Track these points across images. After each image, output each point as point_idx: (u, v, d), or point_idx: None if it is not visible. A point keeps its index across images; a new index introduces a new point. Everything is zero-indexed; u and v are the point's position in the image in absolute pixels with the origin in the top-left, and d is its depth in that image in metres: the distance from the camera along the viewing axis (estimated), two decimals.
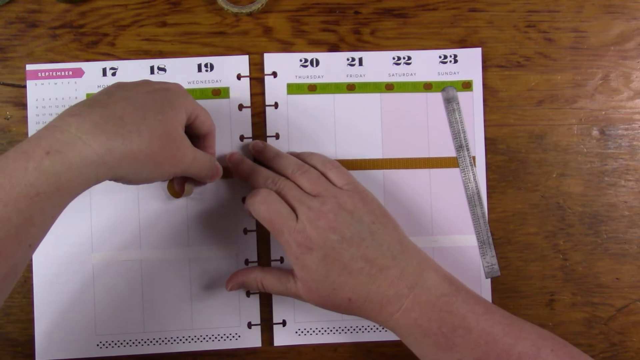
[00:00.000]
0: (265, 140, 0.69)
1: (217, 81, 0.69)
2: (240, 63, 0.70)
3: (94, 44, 0.69)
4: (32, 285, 0.67)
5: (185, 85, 0.68)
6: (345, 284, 0.59)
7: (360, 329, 0.69)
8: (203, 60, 0.69)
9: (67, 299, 0.68)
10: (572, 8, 0.72)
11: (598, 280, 0.71)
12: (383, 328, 0.69)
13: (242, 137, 0.69)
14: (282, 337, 0.69)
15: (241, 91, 0.70)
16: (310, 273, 0.60)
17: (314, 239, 0.59)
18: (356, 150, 0.69)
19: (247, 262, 0.69)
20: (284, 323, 0.69)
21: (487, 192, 0.70)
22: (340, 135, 0.69)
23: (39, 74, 0.68)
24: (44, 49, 0.68)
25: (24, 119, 0.68)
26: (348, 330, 0.69)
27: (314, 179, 0.63)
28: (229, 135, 0.69)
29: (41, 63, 0.68)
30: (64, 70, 0.68)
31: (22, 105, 0.68)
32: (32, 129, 0.68)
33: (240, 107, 0.69)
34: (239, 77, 0.70)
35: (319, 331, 0.69)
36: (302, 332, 0.69)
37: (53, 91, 0.68)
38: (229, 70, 0.70)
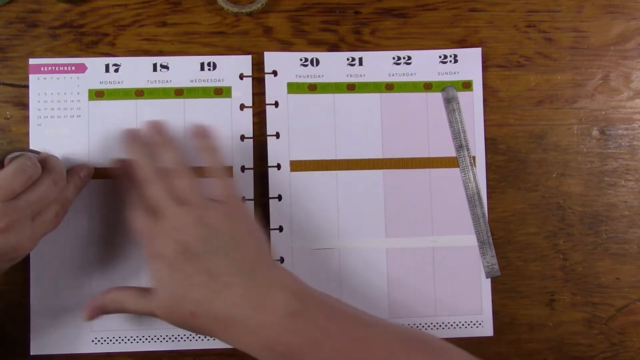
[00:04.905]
0: (266, 140, 0.69)
1: (219, 80, 0.69)
2: (243, 63, 0.70)
3: (94, 44, 0.69)
4: (28, 280, 0.67)
5: (188, 84, 0.69)
6: (185, 296, 0.57)
7: None
8: (206, 59, 0.69)
9: (63, 295, 0.68)
10: (572, 8, 0.72)
11: (598, 280, 0.71)
12: None
13: (242, 137, 0.69)
14: None
15: (243, 91, 0.70)
16: (158, 281, 0.59)
17: (164, 247, 0.58)
18: (356, 150, 0.69)
19: None
20: None
21: (487, 192, 0.70)
22: (340, 135, 0.69)
23: (42, 69, 0.68)
24: (44, 49, 0.68)
25: (24, 119, 0.68)
26: None
27: (187, 186, 0.62)
28: (229, 135, 0.69)
29: (43, 57, 0.69)
30: (67, 65, 0.68)
31: (22, 105, 0.68)
32: (34, 124, 0.68)
33: (242, 107, 0.69)
34: (241, 76, 0.70)
35: None
36: None
37: (55, 86, 0.68)
38: (232, 69, 0.70)
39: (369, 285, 0.69)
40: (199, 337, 0.68)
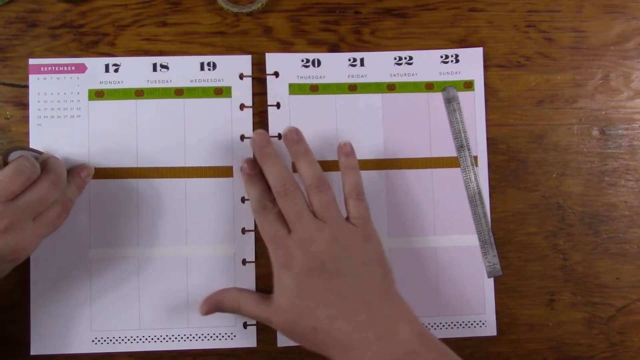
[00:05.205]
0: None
1: (219, 80, 0.69)
2: (243, 63, 0.70)
3: (94, 44, 0.69)
4: (28, 280, 0.67)
5: (187, 84, 0.69)
6: (310, 311, 0.58)
7: None
8: (206, 59, 0.69)
9: (63, 295, 0.68)
10: (572, 8, 0.72)
11: (598, 280, 0.71)
12: None
13: (242, 137, 0.69)
14: (284, 338, 0.68)
15: (243, 91, 0.69)
16: (284, 291, 0.59)
17: (296, 258, 0.59)
18: (358, 150, 0.68)
19: (244, 262, 0.69)
20: None
21: (488, 192, 0.70)
22: (342, 136, 0.69)
23: (42, 69, 0.68)
24: (44, 49, 0.68)
25: (24, 119, 0.68)
26: None
27: (326, 203, 0.63)
28: (229, 135, 0.69)
29: (42, 57, 0.68)
30: (67, 65, 0.68)
31: (23, 105, 0.68)
32: (34, 124, 0.68)
33: (242, 106, 0.69)
34: (241, 76, 0.70)
35: None
36: None
37: (55, 86, 0.68)
38: (232, 69, 0.70)
39: None
40: (199, 337, 0.68)
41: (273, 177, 0.64)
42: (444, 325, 0.69)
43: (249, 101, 0.69)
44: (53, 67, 0.68)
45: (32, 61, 0.68)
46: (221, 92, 0.69)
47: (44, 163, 0.62)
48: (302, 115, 0.69)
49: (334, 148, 0.69)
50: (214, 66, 0.69)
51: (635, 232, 0.71)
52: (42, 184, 0.60)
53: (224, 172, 0.69)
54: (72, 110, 0.68)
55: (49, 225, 0.62)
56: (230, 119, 0.69)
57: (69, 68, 0.68)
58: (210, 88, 0.69)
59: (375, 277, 0.60)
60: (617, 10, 0.72)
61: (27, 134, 0.68)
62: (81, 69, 0.68)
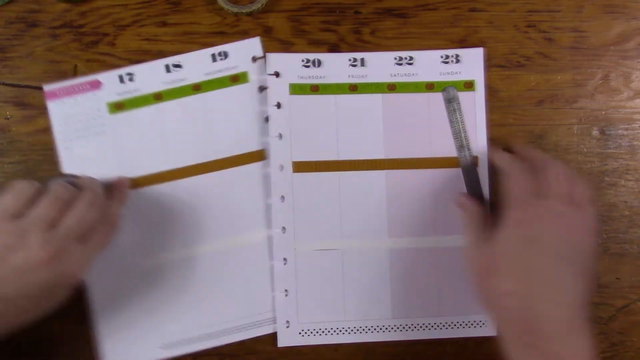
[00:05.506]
0: (268, 141, 0.69)
1: (233, 68, 0.70)
2: (253, 45, 0.70)
3: (94, 44, 0.69)
4: (90, 296, 0.68)
5: (203, 78, 0.69)
6: (515, 278, 0.57)
7: (360, 330, 0.69)
8: (216, 49, 0.70)
9: (126, 308, 0.69)
10: (572, 8, 0.72)
11: (598, 280, 0.71)
12: (383, 328, 0.69)
13: (267, 119, 0.69)
14: (285, 338, 0.69)
15: (259, 73, 0.70)
16: (504, 233, 0.59)
17: (532, 229, 0.59)
18: (358, 150, 0.69)
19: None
20: (287, 324, 0.69)
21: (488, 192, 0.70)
22: (342, 136, 0.69)
23: (57, 93, 0.68)
24: (44, 49, 0.68)
25: (24, 119, 0.68)
26: (349, 330, 0.69)
27: (567, 182, 0.62)
28: (254, 119, 0.69)
29: (56, 82, 0.68)
30: (81, 84, 0.69)
31: (22, 105, 0.68)
32: (62, 147, 0.68)
33: (261, 88, 0.70)
34: (254, 59, 0.70)
35: (322, 332, 0.69)
36: (305, 332, 0.69)
37: (75, 107, 0.68)
38: (244, 54, 0.70)
39: (372, 286, 0.69)
40: (251, 325, 0.69)
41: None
42: (444, 325, 0.69)
43: (266, 82, 0.70)
44: (68, 89, 0.68)
45: (46, 87, 0.68)
46: (237, 79, 0.70)
47: (79, 185, 0.62)
48: (302, 116, 0.69)
49: (334, 149, 0.69)
50: (226, 55, 0.70)
51: (635, 232, 0.71)
52: (79, 205, 0.60)
53: (256, 156, 0.69)
54: (96, 127, 0.69)
55: (98, 244, 0.62)
56: (251, 103, 0.70)
57: (84, 87, 0.69)
58: (226, 77, 0.70)
59: (588, 270, 0.59)
60: (617, 10, 0.72)
61: (27, 134, 0.68)
62: (96, 85, 0.69)
